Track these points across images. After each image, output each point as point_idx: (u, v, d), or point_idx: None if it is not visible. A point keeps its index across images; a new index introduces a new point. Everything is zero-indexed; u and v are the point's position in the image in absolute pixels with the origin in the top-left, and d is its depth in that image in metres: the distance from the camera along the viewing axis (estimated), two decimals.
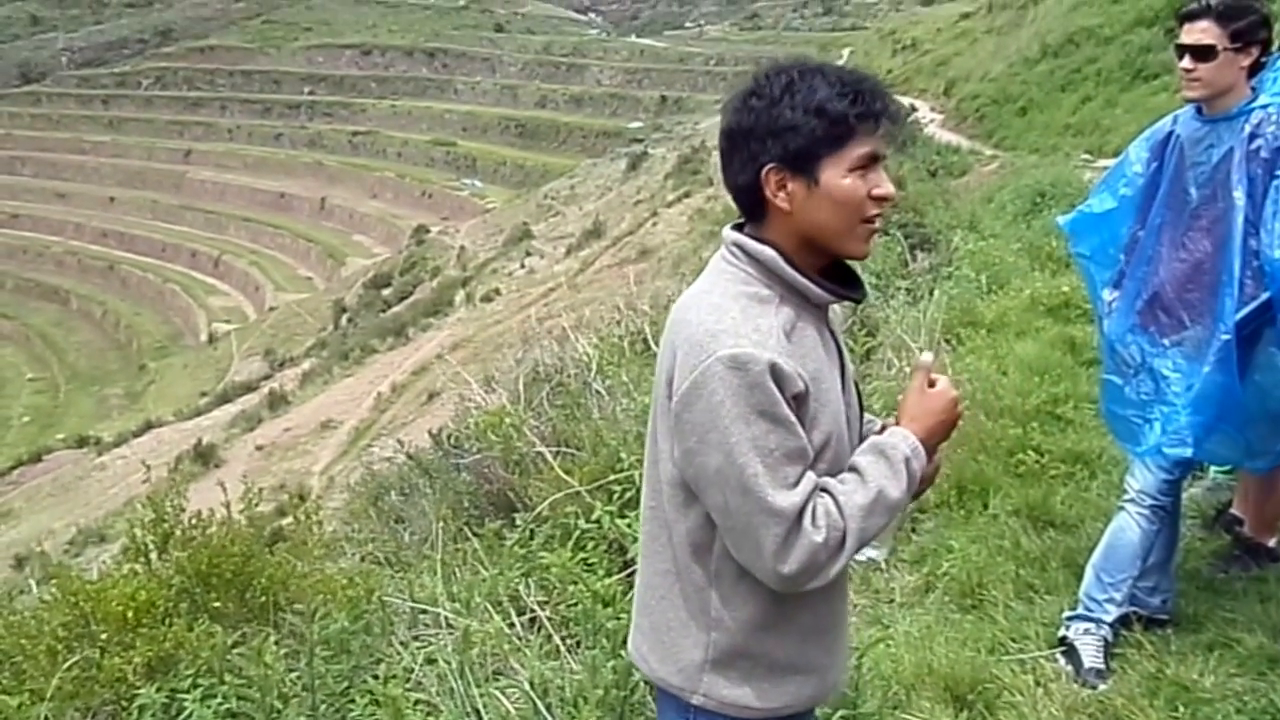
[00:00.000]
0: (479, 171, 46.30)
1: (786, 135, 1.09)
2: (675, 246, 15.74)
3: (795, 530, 1.06)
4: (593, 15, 73.84)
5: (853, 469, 1.11)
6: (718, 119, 1.19)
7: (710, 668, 1.17)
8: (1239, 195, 1.92)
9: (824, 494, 1.09)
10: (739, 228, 1.17)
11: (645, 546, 1.23)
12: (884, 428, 1.18)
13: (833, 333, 1.18)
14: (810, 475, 1.08)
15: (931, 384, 1.15)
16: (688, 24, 66.32)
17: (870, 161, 1.11)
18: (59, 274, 45.62)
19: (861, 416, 1.21)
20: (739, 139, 1.12)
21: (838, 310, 1.31)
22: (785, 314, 1.11)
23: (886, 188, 1.12)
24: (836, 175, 1.10)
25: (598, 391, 3.35)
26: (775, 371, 1.06)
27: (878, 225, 1.14)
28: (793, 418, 1.07)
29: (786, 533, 1.06)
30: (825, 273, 1.16)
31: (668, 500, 1.17)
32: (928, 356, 1.17)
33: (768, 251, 1.12)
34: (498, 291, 21.47)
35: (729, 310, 1.10)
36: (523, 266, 23.94)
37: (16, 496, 20.26)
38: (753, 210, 1.14)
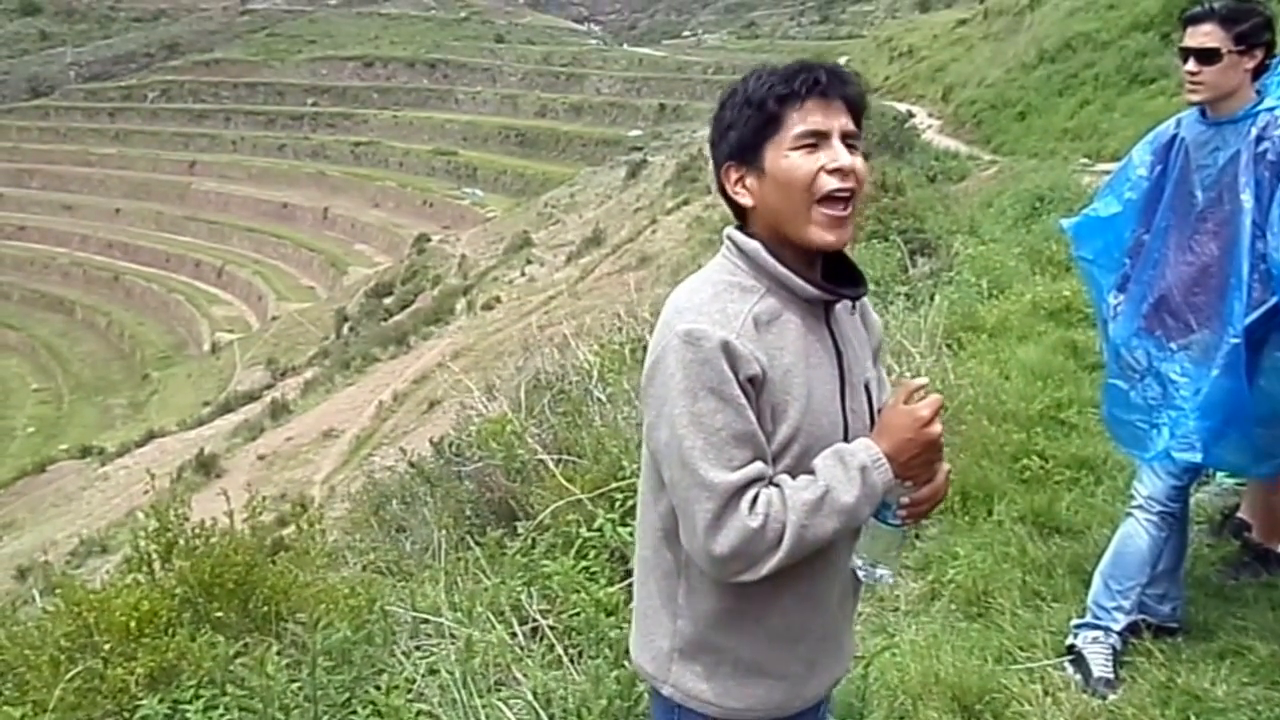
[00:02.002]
0: (480, 180, 46.46)
1: (729, 133, 1.14)
2: (674, 253, 15.76)
3: (730, 510, 1.05)
4: (591, 25, 74.26)
5: (811, 470, 1.11)
6: None
7: (678, 657, 1.17)
8: (1246, 198, 1.91)
9: (772, 485, 1.08)
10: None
11: (636, 531, 1.24)
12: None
13: (834, 334, 1.17)
14: (759, 464, 1.07)
15: (908, 402, 1.13)
16: (686, 33, 66.71)
17: (815, 137, 1.10)
18: (64, 285, 45.80)
19: (873, 424, 1.20)
20: (710, 149, 1.18)
21: (876, 321, 1.28)
22: (767, 305, 1.12)
23: (843, 160, 1.09)
24: (778, 157, 1.11)
25: (599, 399, 3.34)
26: (728, 350, 1.06)
27: (842, 211, 1.09)
28: (743, 400, 1.06)
29: (719, 510, 1.05)
30: (825, 272, 1.15)
31: (643, 483, 1.20)
32: (918, 380, 1.16)
33: (752, 243, 1.14)
34: (499, 299, 21.50)
35: (701, 292, 1.12)
36: (523, 274, 23.99)
37: (20, 507, 20.27)
38: (737, 214, 1.18)
